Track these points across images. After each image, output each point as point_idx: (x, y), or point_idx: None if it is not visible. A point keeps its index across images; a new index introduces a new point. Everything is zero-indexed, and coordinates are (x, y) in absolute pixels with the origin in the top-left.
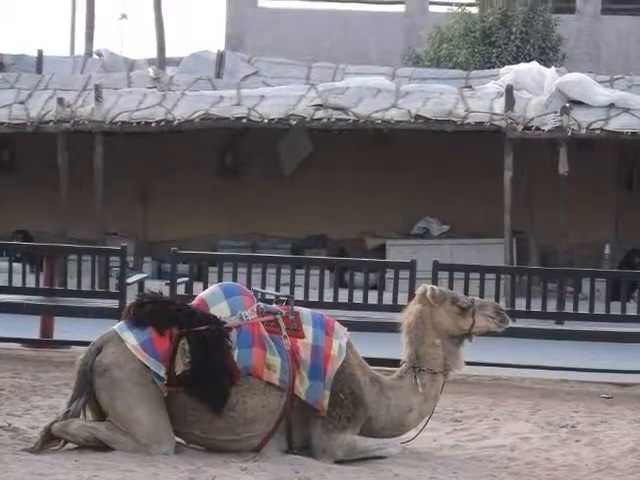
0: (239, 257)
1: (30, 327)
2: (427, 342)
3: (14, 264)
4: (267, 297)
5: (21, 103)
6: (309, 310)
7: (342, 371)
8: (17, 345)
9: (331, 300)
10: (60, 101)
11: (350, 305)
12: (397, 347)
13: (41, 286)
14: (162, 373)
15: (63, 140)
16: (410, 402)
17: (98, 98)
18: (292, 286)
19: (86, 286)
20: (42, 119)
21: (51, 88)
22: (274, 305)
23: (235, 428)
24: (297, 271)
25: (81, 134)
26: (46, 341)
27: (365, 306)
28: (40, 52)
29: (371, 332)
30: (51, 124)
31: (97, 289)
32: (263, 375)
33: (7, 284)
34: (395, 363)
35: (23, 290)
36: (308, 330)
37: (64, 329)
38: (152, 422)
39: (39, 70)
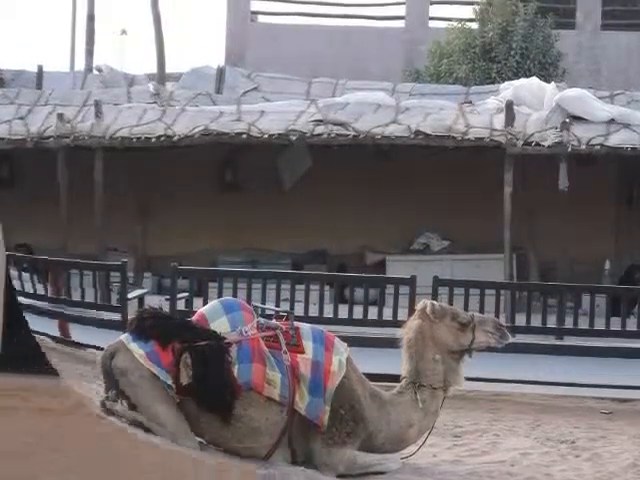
0: (239, 272)
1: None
2: (427, 358)
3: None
4: (267, 312)
5: (21, 119)
6: (309, 325)
7: (342, 387)
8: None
9: (331, 315)
10: (60, 117)
11: (350, 320)
12: (397, 363)
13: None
14: (170, 382)
15: (63, 156)
16: (410, 417)
17: (98, 114)
18: (292, 301)
19: (89, 299)
20: (42, 135)
21: (51, 104)
22: (274, 320)
23: (241, 438)
24: (297, 286)
25: (81, 150)
26: (65, 340)
27: (365, 322)
28: (40, 68)
29: (371, 348)
30: (51, 140)
31: (99, 303)
32: (263, 390)
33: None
34: (395, 379)
35: (33, 296)
36: (308, 345)
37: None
38: (173, 420)
39: (39, 86)
